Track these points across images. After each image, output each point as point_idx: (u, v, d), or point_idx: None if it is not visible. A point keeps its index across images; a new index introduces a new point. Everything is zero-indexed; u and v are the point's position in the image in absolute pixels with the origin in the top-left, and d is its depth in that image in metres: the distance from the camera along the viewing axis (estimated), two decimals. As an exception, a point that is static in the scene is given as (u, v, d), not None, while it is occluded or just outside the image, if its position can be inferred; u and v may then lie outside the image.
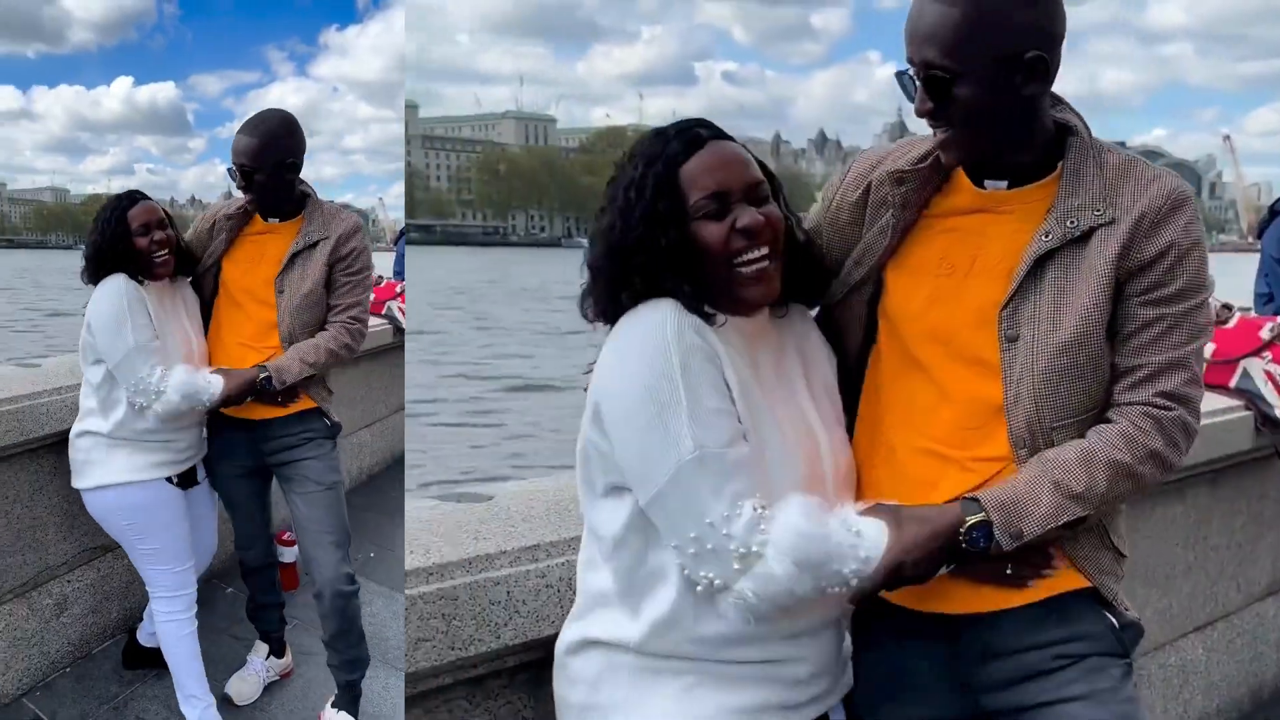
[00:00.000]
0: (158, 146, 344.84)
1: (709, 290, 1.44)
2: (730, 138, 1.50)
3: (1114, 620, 1.50)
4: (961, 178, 1.53)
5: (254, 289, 2.88)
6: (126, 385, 2.74)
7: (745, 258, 1.43)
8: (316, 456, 2.90)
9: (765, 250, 1.44)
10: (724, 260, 1.43)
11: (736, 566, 1.33)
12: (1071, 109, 1.52)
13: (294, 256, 2.84)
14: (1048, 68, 1.43)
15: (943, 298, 1.50)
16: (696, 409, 1.35)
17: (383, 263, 5.01)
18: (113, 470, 2.81)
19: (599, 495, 1.47)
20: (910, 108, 1.48)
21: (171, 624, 2.92)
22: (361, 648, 3.00)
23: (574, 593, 1.62)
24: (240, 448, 2.93)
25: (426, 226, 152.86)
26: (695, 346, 1.38)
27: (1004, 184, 1.49)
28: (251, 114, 2.93)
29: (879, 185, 1.55)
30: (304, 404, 2.90)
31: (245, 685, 3.20)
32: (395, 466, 5.71)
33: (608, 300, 1.47)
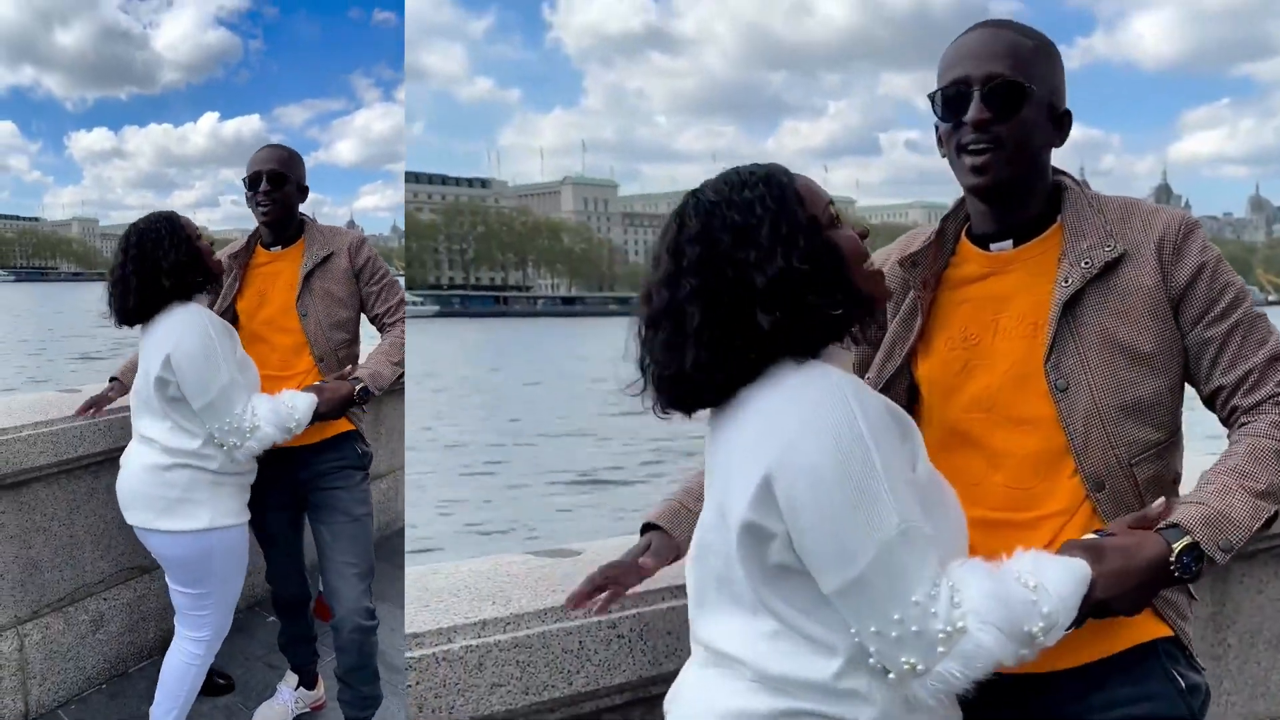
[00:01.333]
0: (241, 179, 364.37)
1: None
2: None
3: (1180, 680, 1.44)
4: (967, 246, 1.57)
5: (274, 318, 2.92)
6: (216, 426, 2.58)
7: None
8: (346, 487, 2.91)
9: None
10: (860, 257, 1.36)
11: (941, 649, 1.20)
12: (1061, 170, 1.58)
13: (308, 277, 2.88)
14: (1068, 125, 1.55)
15: (975, 367, 1.51)
16: (895, 481, 1.21)
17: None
18: (222, 511, 2.68)
19: (770, 572, 1.28)
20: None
21: (194, 669, 2.84)
22: (375, 686, 2.97)
23: (644, 641, 1.80)
24: (279, 480, 2.91)
25: (624, 299, 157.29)
26: (878, 410, 1.25)
27: (1009, 244, 1.53)
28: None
29: (892, 276, 1.57)
30: (340, 427, 2.90)
31: (273, 714, 3.23)
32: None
33: (728, 371, 1.30)
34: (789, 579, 1.25)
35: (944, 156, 1.56)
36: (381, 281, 2.96)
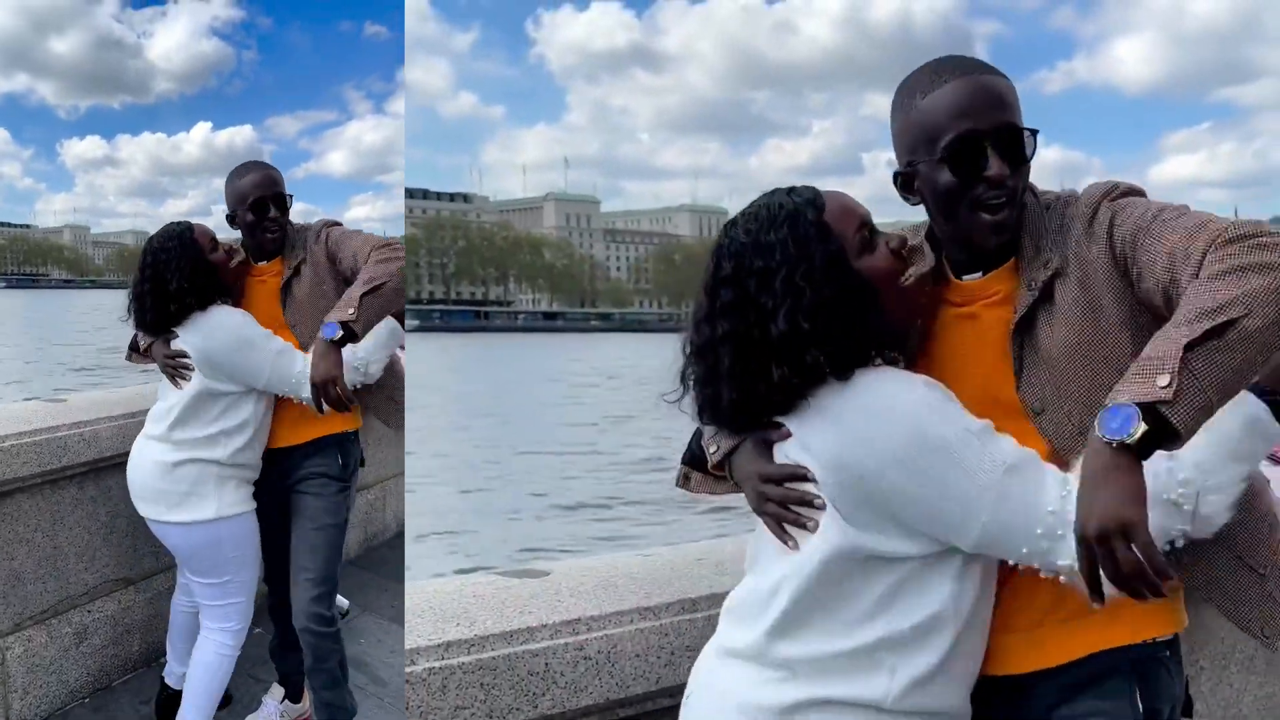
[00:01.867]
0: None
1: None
2: None
3: (1142, 704, 1.42)
4: (944, 271, 1.56)
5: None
6: (289, 391, 2.72)
7: (904, 280, 1.46)
8: (317, 494, 2.89)
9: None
10: (897, 287, 1.45)
11: None
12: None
13: (286, 287, 2.84)
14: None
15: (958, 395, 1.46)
16: (981, 431, 1.35)
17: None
18: (228, 502, 2.83)
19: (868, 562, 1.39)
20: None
21: (227, 659, 2.95)
22: (337, 693, 2.94)
23: (611, 664, 1.78)
24: (268, 483, 2.95)
25: (606, 314, 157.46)
26: (924, 380, 1.40)
27: (979, 274, 1.51)
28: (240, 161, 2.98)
29: None
30: (332, 427, 2.86)
31: None
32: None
33: (759, 408, 1.43)
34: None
35: (914, 204, 1.53)
36: (343, 245, 2.76)
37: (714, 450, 1.54)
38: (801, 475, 1.40)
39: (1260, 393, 1.40)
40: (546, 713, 1.76)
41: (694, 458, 1.65)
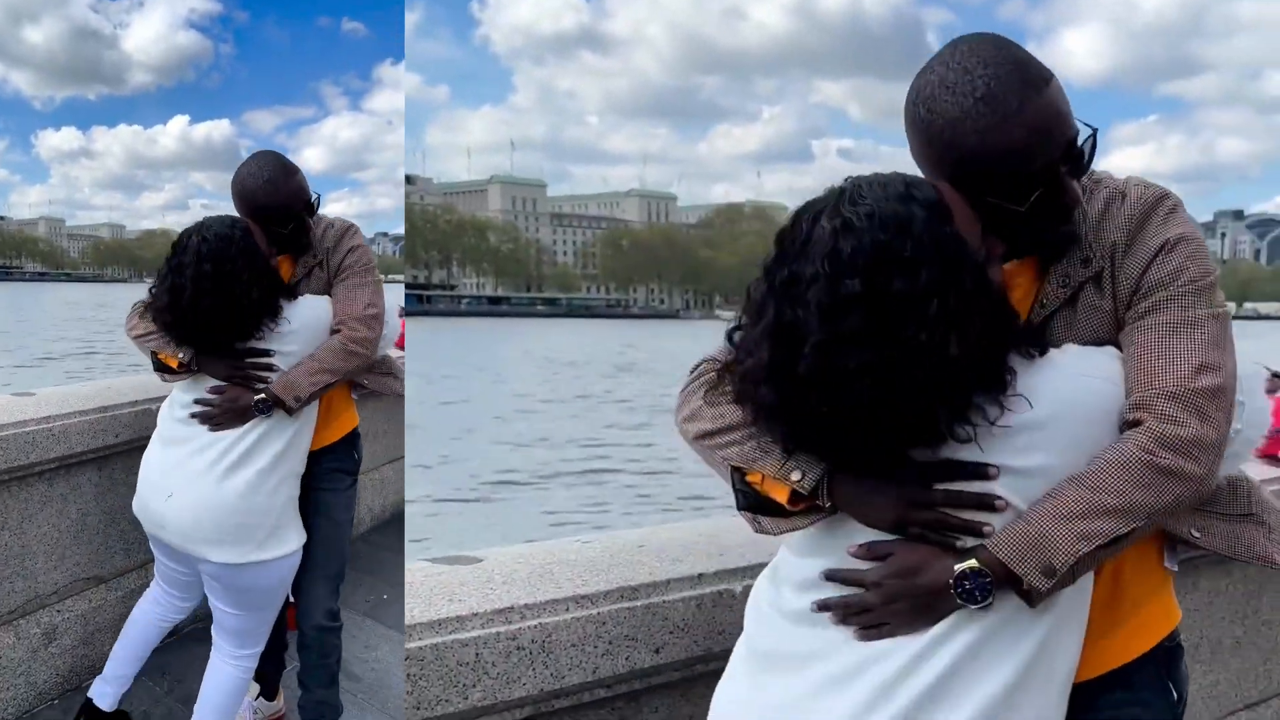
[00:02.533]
0: (212, 182, 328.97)
1: None
2: None
3: (1175, 691, 1.45)
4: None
5: None
6: None
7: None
8: (333, 490, 2.83)
9: None
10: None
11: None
12: None
13: (294, 287, 2.72)
14: None
15: None
16: None
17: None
18: (298, 527, 2.66)
19: None
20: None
21: (245, 683, 2.80)
22: (331, 692, 2.91)
23: (546, 654, 1.72)
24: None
25: (553, 300, 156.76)
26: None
27: (1012, 262, 1.42)
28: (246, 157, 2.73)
29: None
30: (347, 427, 2.84)
31: None
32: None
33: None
34: None
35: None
36: (344, 273, 2.70)
37: (799, 478, 1.31)
38: (985, 472, 1.24)
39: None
40: (477, 704, 1.68)
41: (753, 501, 1.40)
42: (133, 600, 3.43)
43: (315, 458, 2.79)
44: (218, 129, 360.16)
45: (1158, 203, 1.37)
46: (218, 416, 2.55)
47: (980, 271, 1.23)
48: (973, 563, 1.22)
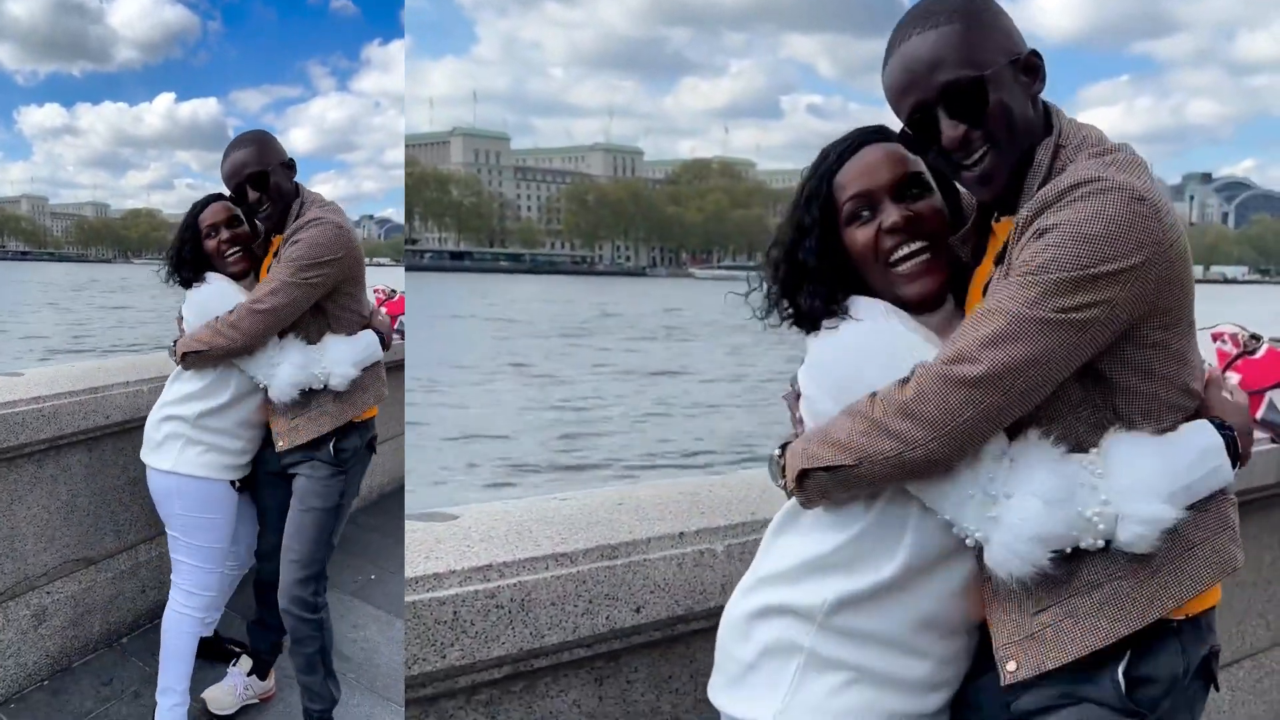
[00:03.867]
0: (198, 162, 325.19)
1: (879, 293, 1.50)
2: (896, 140, 1.50)
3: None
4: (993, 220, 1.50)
5: None
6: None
7: (898, 255, 1.47)
8: (309, 477, 2.85)
9: (921, 244, 1.47)
10: (878, 262, 1.48)
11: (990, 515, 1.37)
12: (1058, 112, 1.46)
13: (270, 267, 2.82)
14: (1041, 65, 1.43)
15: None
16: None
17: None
18: (186, 460, 2.88)
19: None
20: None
21: (183, 618, 2.96)
22: (315, 679, 2.91)
23: (525, 612, 1.70)
24: (274, 456, 2.93)
25: (516, 255, 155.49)
26: (907, 332, 1.44)
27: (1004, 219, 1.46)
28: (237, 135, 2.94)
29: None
30: (325, 429, 2.83)
31: (221, 694, 3.17)
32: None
33: (792, 306, 1.54)
34: None
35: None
36: (286, 255, 2.73)
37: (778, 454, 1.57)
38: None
39: (1219, 425, 1.40)
40: (456, 663, 1.66)
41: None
42: (123, 581, 3.43)
43: (297, 448, 2.86)
44: (204, 107, 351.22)
45: (1075, 186, 1.31)
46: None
47: (818, 223, 1.51)
48: (775, 452, 1.51)
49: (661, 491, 2.17)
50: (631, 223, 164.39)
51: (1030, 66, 1.41)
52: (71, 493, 3.25)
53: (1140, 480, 1.32)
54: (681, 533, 1.93)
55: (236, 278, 2.91)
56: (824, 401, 1.45)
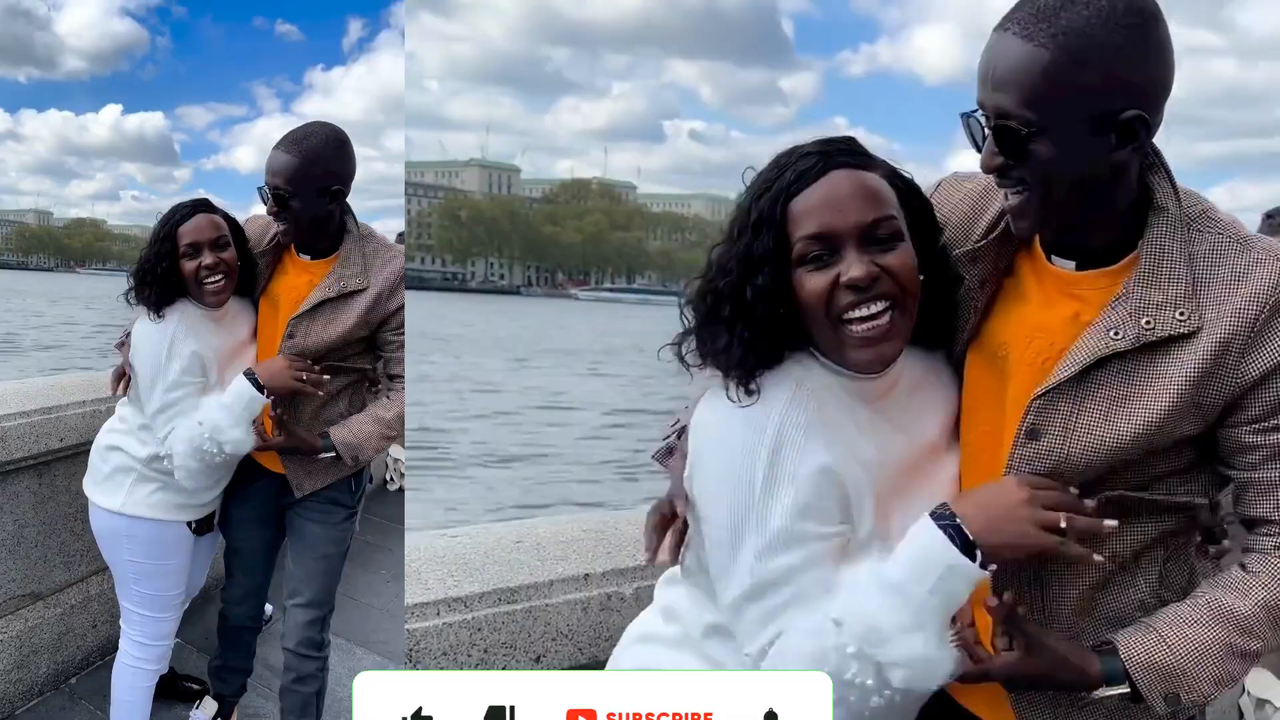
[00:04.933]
0: (143, 174, 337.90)
1: (817, 345, 1.29)
2: (869, 164, 1.29)
3: None
4: (1031, 249, 1.34)
5: (276, 335, 2.51)
6: (156, 435, 2.52)
7: (853, 315, 1.24)
8: (324, 523, 2.64)
9: (883, 306, 1.24)
10: (827, 317, 1.25)
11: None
12: (1163, 167, 1.27)
13: (321, 304, 2.43)
14: (1148, 130, 1.21)
15: (993, 382, 1.33)
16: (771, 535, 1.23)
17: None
18: (137, 500, 2.58)
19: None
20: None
21: (136, 671, 2.72)
22: None
23: (410, 665, 1.58)
24: (262, 494, 2.66)
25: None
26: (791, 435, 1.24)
27: (1072, 264, 1.29)
28: (296, 126, 2.47)
29: (955, 261, 1.34)
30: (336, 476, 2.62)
31: None
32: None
33: (712, 346, 1.29)
34: None
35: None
36: (400, 334, 2.51)
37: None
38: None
39: (938, 516, 1.20)
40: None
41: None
42: (72, 618, 3.17)
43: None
44: (151, 121, 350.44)
45: None
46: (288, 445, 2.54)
47: (767, 258, 1.26)
48: (1125, 688, 1.21)
49: (564, 529, 2.04)
50: (506, 240, 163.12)
51: (1127, 130, 1.19)
52: (18, 523, 2.99)
53: (883, 620, 1.17)
54: (587, 574, 1.81)
55: (210, 307, 2.50)
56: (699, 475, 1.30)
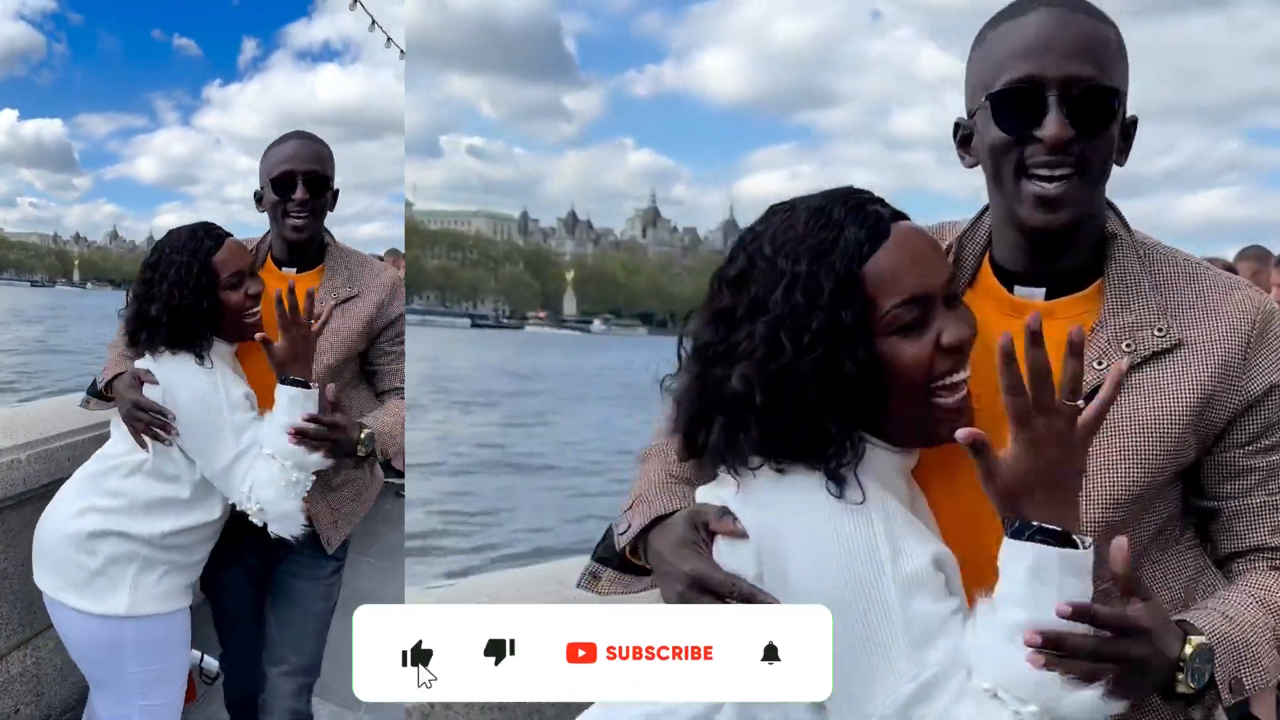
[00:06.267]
0: (41, 181, 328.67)
1: (885, 422, 1.13)
2: (902, 215, 1.17)
3: None
4: (988, 277, 1.28)
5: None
6: (231, 494, 2.13)
7: (948, 381, 1.12)
8: (309, 578, 2.38)
9: (968, 373, 1.14)
10: (922, 387, 1.12)
11: None
12: (1108, 201, 1.27)
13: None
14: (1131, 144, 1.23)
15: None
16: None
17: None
18: (142, 596, 2.15)
19: None
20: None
21: None
22: None
23: None
24: (252, 551, 2.34)
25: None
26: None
27: (1040, 292, 1.24)
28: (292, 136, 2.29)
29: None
30: None
31: None
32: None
33: (790, 437, 1.11)
34: None
35: (969, 165, 1.26)
36: (397, 346, 2.38)
37: (624, 530, 1.29)
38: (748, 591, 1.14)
39: (1017, 533, 1.02)
40: None
41: (605, 553, 1.36)
42: (18, 684, 2.63)
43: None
44: (49, 128, 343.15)
45: (1273, 317, 1.22)
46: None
47: (858, 324, 1.13)
48: (1203, 639, 1.09)
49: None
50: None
51: (1128, 134, 1.22)
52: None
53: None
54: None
55: (244, 340, 2.20)
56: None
